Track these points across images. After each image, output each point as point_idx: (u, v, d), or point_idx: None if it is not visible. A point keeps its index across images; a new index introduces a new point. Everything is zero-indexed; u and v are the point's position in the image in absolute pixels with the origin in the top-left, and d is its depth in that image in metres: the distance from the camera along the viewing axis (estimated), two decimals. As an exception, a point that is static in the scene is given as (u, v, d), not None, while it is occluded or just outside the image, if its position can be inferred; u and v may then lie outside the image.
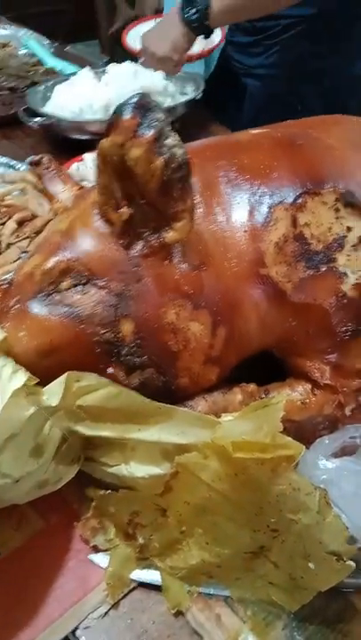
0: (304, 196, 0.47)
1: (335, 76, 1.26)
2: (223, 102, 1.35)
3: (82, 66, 1.18)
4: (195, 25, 1.04)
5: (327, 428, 0.50)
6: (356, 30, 1.24)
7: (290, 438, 0.39)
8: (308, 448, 0.46)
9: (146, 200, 0.42)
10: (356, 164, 0.49)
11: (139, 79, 1.01)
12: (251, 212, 0.48)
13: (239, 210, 0.48)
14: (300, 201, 0.47)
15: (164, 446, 0.43)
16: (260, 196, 0.48)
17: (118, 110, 0.40)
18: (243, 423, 0.40)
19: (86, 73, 1.08)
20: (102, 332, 0.45)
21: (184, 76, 1.19)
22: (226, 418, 0.43)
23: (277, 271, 0.47)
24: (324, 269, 0.47)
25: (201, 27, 1.04)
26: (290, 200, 0.47)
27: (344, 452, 0.50)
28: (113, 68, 1.06)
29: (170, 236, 0.43)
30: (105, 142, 0.42)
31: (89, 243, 0.46)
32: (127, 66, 1.06)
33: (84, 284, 0.45)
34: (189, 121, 1.09)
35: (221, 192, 0.48)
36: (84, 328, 0.45)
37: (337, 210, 0.47)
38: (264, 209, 0.47)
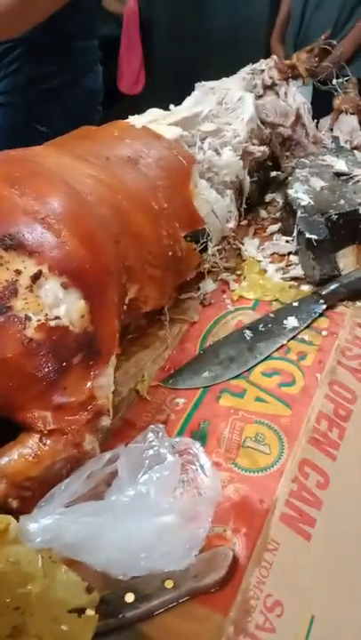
0: None
1: (71, 94, 1.27)
2: None
3: None
4: None
5: (73, 469, 0.48)
6: (75, 47, 1.26)
7: (-7, 514, 0.37)
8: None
9: None
10: (12, 204, 0.48)
11: None
12: None
13: None
14: None
15: None
16: None
17: None
18: None
19: None
20: None
21: None
22: None
23: None
24: (1, 320, 0.45)
25: None
26: None
27: (105, 483, 0.50)
28: None
29: None
30: None
31: None
32: None
33: None
34: None
35: None
36: None
37: (-1, 257, 0.46)
38: None
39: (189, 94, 0.95)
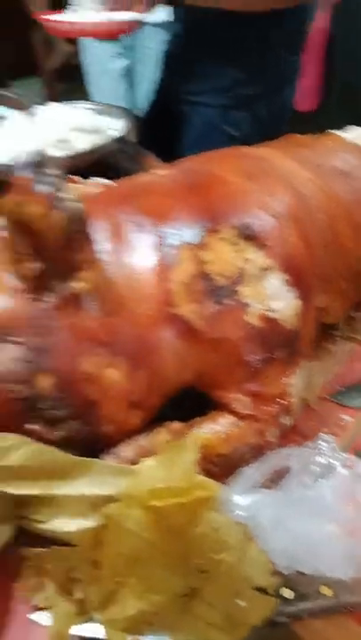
0: (205, 235, 0.48)
1: (264, 103, 1.28)
2: (162, 133, 1.34)
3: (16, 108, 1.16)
4: None
5: (254, 456, 0.50)
6: (269, 58, 1.27)
7: (206, 478, 0.40)
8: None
9: (49, 254, 0.43)
10: (250, 197, 0.51)
11: (68, 119, 1.01)
12: (157, 255, 0.48)
13: (146, 253, 0.49)
14: (201, 239, 0.48)
15: (91, 499, 0.43)
16: (164, 238, 0.49)
17: (14, 169, 0.41)
18: (158, 468, 0.41)
19: (16, 115, 1.07)
20: (19, 388, 0.45)
21: (113, 110, 1.18)
22: (146, 463, 0.43)
23: (188, 310, 0.47)
24: (229, 303, 0.47)
25: None
26: (192, 240, 0.48)
27: (278, 476, 0.51)
28: (42, 108, 1.06)
29: (77, 285, 0.44)
30: (6, 201, 0.42)
31: (1, 300, 0.46)
32: (56, 106, 1.06)
33: (-1, 342, 0.45)
34: (125, 156, 1.09)
35: (128, 237, 0.49)
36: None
37: (236, 244, 0.49)
38: (170, 250, 0.48)
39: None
